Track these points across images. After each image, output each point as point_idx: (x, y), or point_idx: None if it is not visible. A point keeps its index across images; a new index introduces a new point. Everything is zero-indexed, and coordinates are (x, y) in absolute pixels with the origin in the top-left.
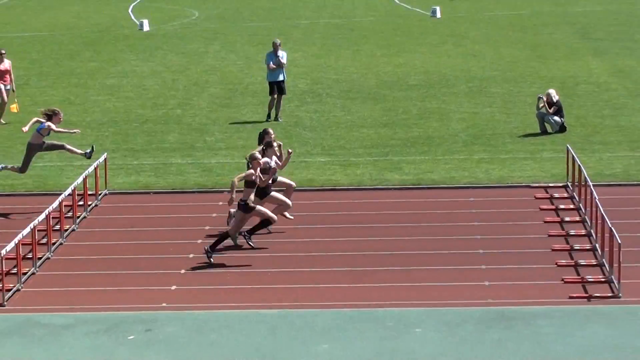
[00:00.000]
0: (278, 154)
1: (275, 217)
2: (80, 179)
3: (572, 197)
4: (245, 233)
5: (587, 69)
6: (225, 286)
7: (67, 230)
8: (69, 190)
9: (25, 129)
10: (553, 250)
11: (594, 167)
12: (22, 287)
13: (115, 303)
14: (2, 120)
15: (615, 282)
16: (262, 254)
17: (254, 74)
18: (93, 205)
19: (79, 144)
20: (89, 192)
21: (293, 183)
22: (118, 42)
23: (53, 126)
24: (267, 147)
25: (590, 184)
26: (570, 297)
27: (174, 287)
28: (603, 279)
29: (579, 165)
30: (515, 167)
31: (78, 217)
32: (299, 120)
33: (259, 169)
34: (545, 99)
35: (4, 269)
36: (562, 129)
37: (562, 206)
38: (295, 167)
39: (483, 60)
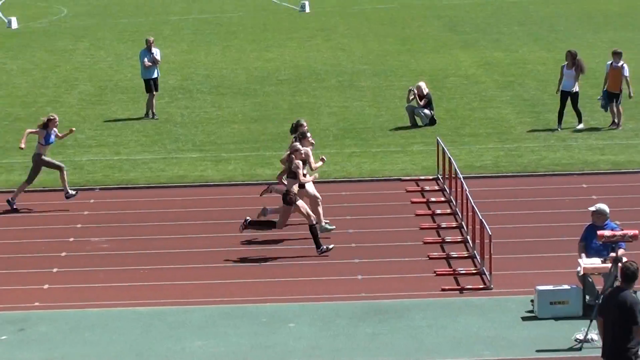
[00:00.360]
0: (313, 144)
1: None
2: None
3: (443, 190)
4: (248, 220)
5: (456, 62)
6: (99, 284)
7: None
8: None
9: (23, 145)
10: (425, 243)
11: (464, 159)
12: None
13: None
14: None
15: (487, 273)
16: (135, 251)
17: (123, 70)
18: None
19: None
20: None
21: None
22: None
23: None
24: (302, 137)
25: (461, 176)
26: (443, 290)
27: (46, 286)
28: (475, 271)
29: (449, 158)
30: (386, 161)
31: None
32: (169, 117)
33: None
34: (415, 91)
35: None
36: (432, 121)
37: (433, 199)
38: (167, 164)
39: (353, 54)
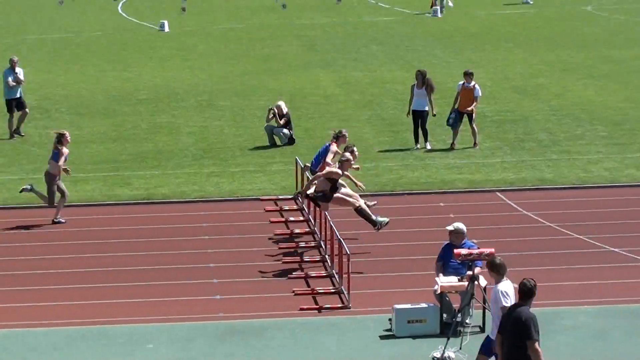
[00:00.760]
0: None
1: (355, 200)
2: None
3: (301, 209)
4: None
5: (316, 81)
6: None
7: None
8: None
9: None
10: (284, 262)
11: None
12: None
13: None
14: None
15: (345, 292)
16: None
17: None
18: None
19: None
20: None
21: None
22: None
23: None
24: (351, 151)
25: None
26: (302, 309)
27: None
28: (333, 290)
29: (308, 177)
30: (245, 180)
31: None
32: (28, 137)
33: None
34: (275, 110)
35: None
36: (290, 141)
37: (292, 218)
38: (23, 185)
39: (212, 74)
